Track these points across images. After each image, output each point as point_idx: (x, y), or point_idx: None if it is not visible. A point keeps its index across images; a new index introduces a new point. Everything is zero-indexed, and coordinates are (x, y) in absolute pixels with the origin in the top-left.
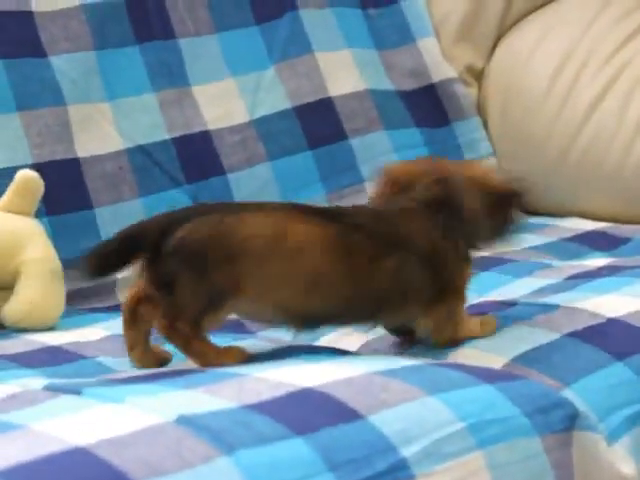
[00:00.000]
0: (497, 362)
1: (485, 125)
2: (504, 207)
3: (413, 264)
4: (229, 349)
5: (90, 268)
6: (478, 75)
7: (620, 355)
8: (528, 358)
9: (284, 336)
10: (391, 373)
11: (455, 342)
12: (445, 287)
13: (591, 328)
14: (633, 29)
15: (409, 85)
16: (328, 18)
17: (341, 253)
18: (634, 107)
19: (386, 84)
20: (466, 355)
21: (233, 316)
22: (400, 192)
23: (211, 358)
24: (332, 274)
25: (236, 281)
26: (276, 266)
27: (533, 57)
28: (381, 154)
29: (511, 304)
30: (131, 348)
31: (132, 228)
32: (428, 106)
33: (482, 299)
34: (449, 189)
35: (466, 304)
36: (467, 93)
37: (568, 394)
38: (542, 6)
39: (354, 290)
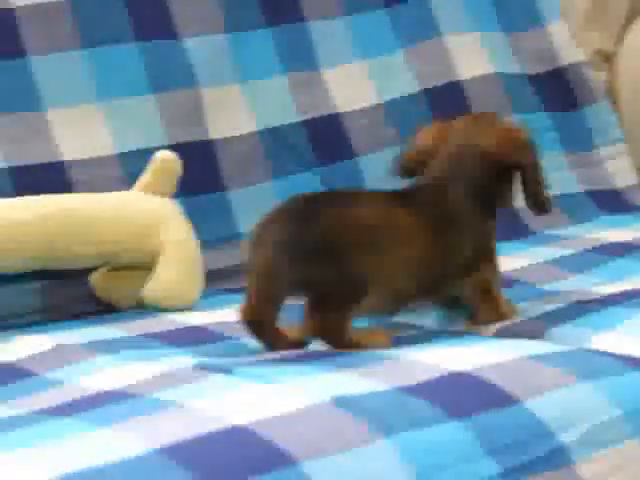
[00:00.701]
0: None
1: (615, 109)
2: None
3: (461, 237)
4: (376, 331)
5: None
6: (608, 59)
7: None
8: None
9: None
10: (542, 358)
11: (500, 316)
12: (481, 256)
13: None
14: None
15: (538, 69)
16: (457, 1)
17: (427, 234)
18: None
19: (515, 67)
20: (610, 339)
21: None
22: (421, 159)
23: (363, 344)
24: (427, 255)
25: (372, 268)
26: (393, 253)
27: None
28: None
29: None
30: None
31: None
32: (557, 90)
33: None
34: (461, 165)
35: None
36: (597, 77)
37: None
38: None
39: (437, 267)
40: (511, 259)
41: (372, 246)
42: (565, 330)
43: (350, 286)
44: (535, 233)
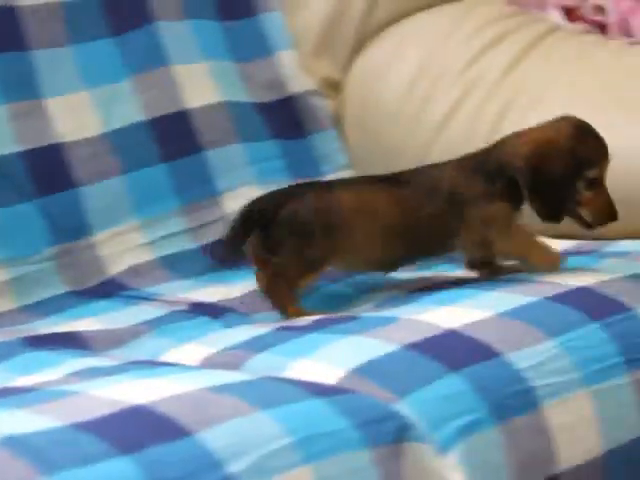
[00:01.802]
0: (336, 374)
1: (343, 137)
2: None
3: (443, 204)
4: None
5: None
6: (336, 87)
7: (455, 367)
8: (366, 370)
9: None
10: (223, 388)
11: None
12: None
13: (428, 340)
14: (485, 44)
15: (267, 97)
16: (185, 30)
17: (398, 208)
18: (484, 120)
19: (243, 96)
20: (305, 367)
21: None
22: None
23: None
24: (396, 226)
25: (333, 247)
26: (362, 229)
27: (389, 70)
28: (237, 166)
29: (354, 317)
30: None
31: (252, 204)
32: (285, 118)
33: (325, 315)
34: (494, 157)
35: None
36: (324, 105)
37: (401, 406)
38: (398, 20)
39: (413, 234)
40: (228, 288)
41: (340, 226)
42: (264, 358)
43: (306, 259)
44: None
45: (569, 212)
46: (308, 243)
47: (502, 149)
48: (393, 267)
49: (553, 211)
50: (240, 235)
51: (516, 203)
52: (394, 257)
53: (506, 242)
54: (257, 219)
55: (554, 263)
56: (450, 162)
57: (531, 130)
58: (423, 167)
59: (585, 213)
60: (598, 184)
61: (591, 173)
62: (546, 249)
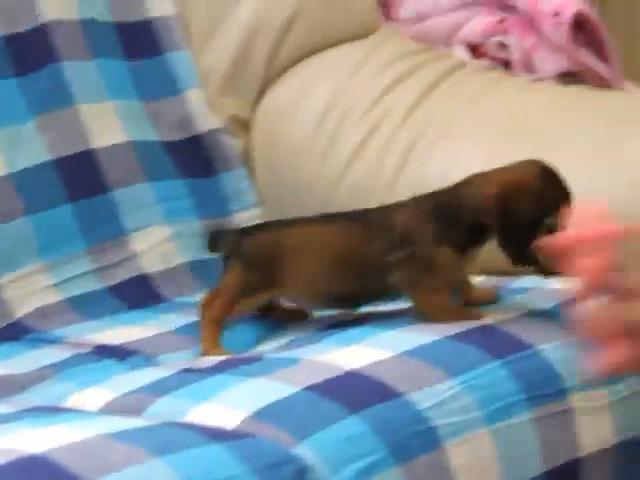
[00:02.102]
0: (237, 417)
1: (252, 175)
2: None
3: (393, 243)
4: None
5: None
6: (244, 126)
7: (355, 408)
8: (266, 413)
9: None
10: (121, 435)
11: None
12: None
13: (329, 381)
14: (392, 81)
15: (175, 136)
16: (91, 70)
17: (344, 243)
18: (392, 155)
19: (150, 135)
20: (206, 410)
21: None
22: None
23: (208, 347)
24: (340, 261)
25: (275, 278)
26: (307, 262)
27: (297, 108)
28: (144, 206)
29: (256, 358)
30: None
31: (215, 231)
32: (193, 157)
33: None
34: (455, 199)
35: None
36: (233, 144)
37: (302, 449)
38: (306, 58)
39: (358, 271)
40: (136, 329)
41: (285, 260)
42: (166, 402)
43: (240, 284)
44: (168, 300)
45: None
46: (249, 270)
47: (466, 190)
48: (341, 304)
49: (522, 253)
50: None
51: (467, 249)
52: (339, 293)
53: (423, 296)
54: (217, 243)
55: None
56: (409, 201)
57: (496, 172)
58: (384, 206)
59: (542, 259)
60: (558, 230)
61: (553, 217)
62: (454, 312)
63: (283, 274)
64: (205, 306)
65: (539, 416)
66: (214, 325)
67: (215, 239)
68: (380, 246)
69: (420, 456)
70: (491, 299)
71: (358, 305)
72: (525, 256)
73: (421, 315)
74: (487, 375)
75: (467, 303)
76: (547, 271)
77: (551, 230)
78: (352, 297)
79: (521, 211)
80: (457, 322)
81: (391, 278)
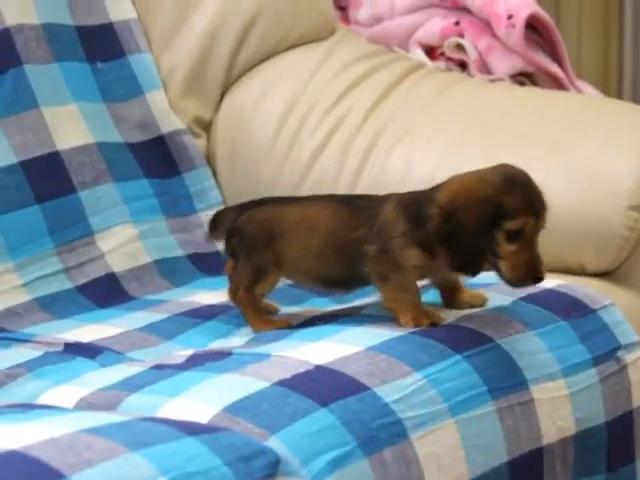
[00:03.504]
0: (208, 412)
1: (215, 175)
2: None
3: (370, 236)
4: (273, 321)
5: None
6: (206, 126)
7: (324, 402)
8: (238, 408)
9: None
10: (97, 430)
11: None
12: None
13: (298, 376)
14: (351, 81)
15: (138, 137)
16: (54, 73)
17: (336, 226)
18: (352, 156)
19: (115, 137)
20: (179, 406)
21: None
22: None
23: (259, 326)
24: (330, 243)
25: (276, 258)
26: (299, 242)
27: (258, 108)
28: (110, 206)
29: (226, 354)
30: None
31: (214, 214)
32: (157, 157)
33: (198, 349)
34: (424, 201)
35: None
36: (196, 144)
37: (273, 442)
38: (265, 59)
39: (346, 254)
40: (105, 327)
41: (281, 239)
42: (138, 398)
43: (253, 268)
44: (136, 298)
45: (491, 264)
46: (255, 252)
47: (432, 194)
48: (336, 286)
49: (462, 262)
50: (212, 234)
51: (430, 251)
52: (331, 274)
53: (391, 293)
54: (216, 226)
55: (411, 323)
56: (394, 195)
57: (459, 176)
58: (379, 195)
59: (503, 268)
60: (523, 239)
61: (510, 225)
62: (419, 313)
63: (282, 253)
64: (234, 296)
65: (501, 407)
66: (253, 309)
67: (215, 222)
68: (362, 235)
69: (388, 447)
70: (480, 303)
71: (350, 289)
72: (469, 265)
73: (387, 310)
74: (450, 369)
75: (454, 306)
76: (511, 282)
77: (513, 238)
78: (343, 281)
79: (464, 219)
80: (416, 326)
81: (365, 268)
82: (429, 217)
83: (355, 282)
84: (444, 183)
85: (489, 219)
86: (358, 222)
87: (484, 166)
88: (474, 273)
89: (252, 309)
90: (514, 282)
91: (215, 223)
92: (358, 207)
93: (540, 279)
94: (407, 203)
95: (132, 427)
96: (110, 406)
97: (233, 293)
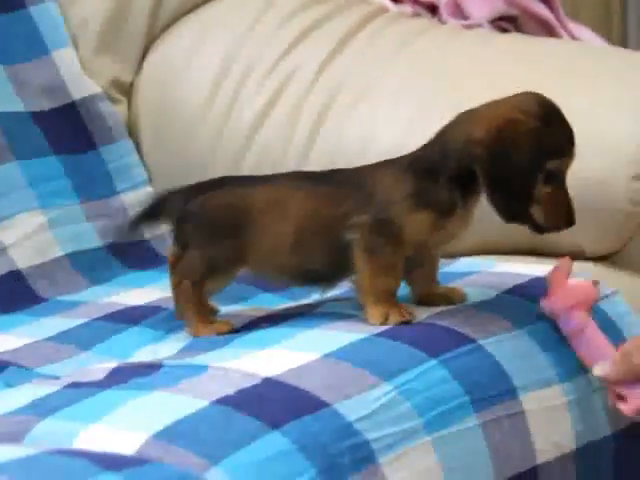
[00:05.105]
0: (135, 440)
1: (138, 148)
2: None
3: (357, 207)
4: (215, 322)
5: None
6: (127, 90)
7: (276, 423)
8: (171, 433)
9: None
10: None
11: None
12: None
13: (243, 392)
14: (300, 32)
15: (44, 105)
16: None
17: (313, 206)
18: (303, 120)
19: (16, 105)
20: (98, 433)
21: None
22: None
23: (198, 329)
24: (307, 228)
25: (241, 250)
26: (271, 231)
27: (189, 66)
28: (13, 189)
29: (156, 367)
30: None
31: (162, 194)
32: (69, 129)
33: (120, 362)
34: (437, 148)
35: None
36: (115, 112)
37: (214, 473)
38: (196, 7)
39: (326, 237)
40: (9, 337)
41: (249, 226)
42: (50, 424)
43: (209, 260)
44: (46, 300)
45: None
46: (212, 242)
47: (450, 135)
48: (317, 281)
49: (519, 208)
50: (142, 219)
51: (448, 210)
52: (312, 266)
53: (370, 267)
54: (163, 209)
55: (381, 318)
56: (383, 162)
57: (486, 108)
58: (359, 167)
59: (538, 214)
60: (559, 179)
61: (554, 164)
62: (391, 306)
63: (250, 243)
64: (177, 288)
65: (487, 420)
66: (194, 307)
67: (158, 204)
68: (349, 208)
69: (353, 475)
70: (458, 298)
71: (333, 283)
72: (520, 211)
73: (356, 293)
74: (424, 376)
75: (427, 302)
76: (544, 229)
77: (552, 179)
78: (326, 273)
79: (518, 156)
80: (384, 323)
81: (351, 238)
82: (473, 159)
83: (340, 273)
84: (468, 121)
85: (537, 155)
86: (341, 196)
87: None
88: (525, 220)
89: (195, 307)
90: (549, 228)
91: (157, 207)
92: (339, 182)
93: (574, 223)
94: (411, 160)
95: (41, 463)
96: (16, 436)
97: (175, 285)
